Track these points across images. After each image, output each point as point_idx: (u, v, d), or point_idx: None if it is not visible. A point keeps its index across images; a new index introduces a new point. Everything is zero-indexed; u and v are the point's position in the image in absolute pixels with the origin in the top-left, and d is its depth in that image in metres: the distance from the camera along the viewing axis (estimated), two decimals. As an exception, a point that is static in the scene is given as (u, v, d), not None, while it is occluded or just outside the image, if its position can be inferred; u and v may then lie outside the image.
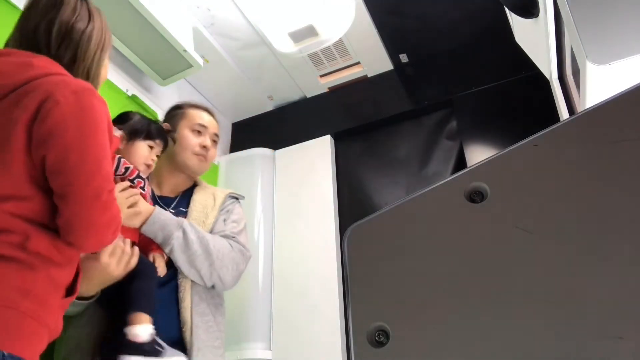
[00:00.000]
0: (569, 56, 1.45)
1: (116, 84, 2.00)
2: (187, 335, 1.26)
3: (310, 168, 2.56)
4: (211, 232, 1.45)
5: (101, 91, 1.90)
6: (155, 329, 1.15)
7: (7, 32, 1.65)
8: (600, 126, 0.46)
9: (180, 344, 1.24)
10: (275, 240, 2.44)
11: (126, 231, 1.21)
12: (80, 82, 0.98)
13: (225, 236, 1.45)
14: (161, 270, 1.28)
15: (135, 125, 1.37)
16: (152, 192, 1.45)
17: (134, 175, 1.28)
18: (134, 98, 2.09)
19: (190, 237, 1.31)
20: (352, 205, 2.47)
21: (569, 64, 1.48)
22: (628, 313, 0.37)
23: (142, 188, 1.30)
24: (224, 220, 1.52)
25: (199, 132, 1.59)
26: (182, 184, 1.59)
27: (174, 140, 1.52)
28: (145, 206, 1.28)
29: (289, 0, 2.15)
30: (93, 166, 0.91)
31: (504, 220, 0.45)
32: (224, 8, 2.23)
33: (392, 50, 2.58)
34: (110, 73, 1.99)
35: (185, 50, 2.00)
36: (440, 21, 2.41)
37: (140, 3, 1.78)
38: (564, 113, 1.55)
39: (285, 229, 2.45)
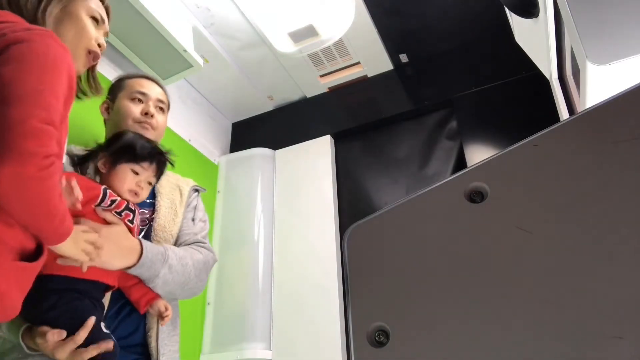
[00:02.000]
0: (569, 56, 1.45)
1: (116, 84, 2.00)
2: (152, 340, 1.20)
3: (310, 168, 2.57)
4: (179, 230, 1.38)
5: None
6: (118, 333, 1.09)
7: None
8: (600, 126, 0.46)
9: (141, 348, 1.19)
10: (275, 240, 2.44)
11: (105, 273, 1.08)
12: (37, 26, 0.91)
13: (197, 242, 1.37)
14: (168, 318, 1.19)
15: (118, 145, 1.21)
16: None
17: (122, 208, 1.15)
18: (134, 98, 2.09)
19: (175, 269, 1.22)
20: (352, 205, 2.47)
21: (569, 64, 1.48)
22: (628, 313, 0.37)
23: (131, 221, 1.17)
24: (192, 220, 1.44)
25: (140, 101, 1.43)
26: None
27: (172, 164, 1.33)
28: (130, 248, 1.14)
29: (289, 0, 2.15)
30: (29, 94, 0.79)
31: (504, 220, 0.45)
32: (224, 8, 2.23)
33: (392, 50, 2.59)
34: (110, 73, 2.00)
35: (185, 50, 2.00)
36: (440, 21, 2.41)
37: (140, 3, 1.78)
38: (564, 113, 1.55)
39: (285, 229, 2.45)
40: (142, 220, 1.31)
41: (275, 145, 2.72)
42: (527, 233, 0.43)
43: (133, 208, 1.19)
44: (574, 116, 0.48)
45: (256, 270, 2.32)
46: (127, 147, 1.20)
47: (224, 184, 2.63)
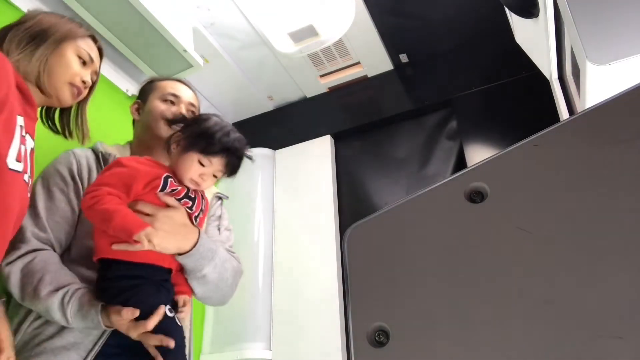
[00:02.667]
0: (569, 56, 1.45)
1: (116, 83, 2.00)
2: None
3: (310, 168, 2.57)
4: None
5: (101, 91, 1.91)
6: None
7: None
8: (600, 126, 0.46)
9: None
10: (275, 240, 2.44)
11: (161, 257, 1.10)
12: None
13: (227, 251, 1.36)
14: (187, 322, 1.18)
15: (195, 131, 1.17)
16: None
17: (181, 196, 1.15)
18: (134, 98, 2.09)
19: (217, 269, 1.21)
20: (352, 205, 2.47)
21: (569, 64, 1.48)
22: (628, 313, 0.37)
23: (190, 208, 1.17)
24: (218, 228, 1.42)
25: (172, 102, 1.42)
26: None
27: (249, 158, 1.26)
28: (186, 234, 1.14)
29: (289, 0, 2.15)
30: None
31: (504, 220, 0.45)
32: (224, 8, 2.23)
33: (392, 50, 2.59)
34: (110, 73, 2.00)
35: (185, 50, 2.00)
36: (440, 21, 2.41)
37: (140, 3, 1.78)
38: (564, 113, 1.55)
39: (285, 229, 2.45)
40: None
41: (275, 145, 2.72)
42: (527, 233, 0.43)
43: (193, 196, 1.18)
44: (574, 116, 0.48)
45: (256, 270, 2.32)
46: (202, 135, 1.15)
47: (224, 184, 2.63)
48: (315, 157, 2.59)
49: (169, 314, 1.06)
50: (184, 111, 1.40)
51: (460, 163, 2.31)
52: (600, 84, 1.04)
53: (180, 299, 1.18)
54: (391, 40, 2.52)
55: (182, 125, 1.22)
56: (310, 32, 2.23)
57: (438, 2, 2.30)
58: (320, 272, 2.23)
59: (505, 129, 2.20)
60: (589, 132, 0.46)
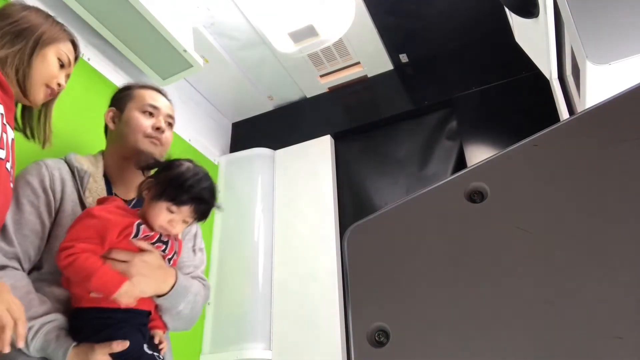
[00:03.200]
0: (569, 56, 1.45)
1: (116, 83, 2.00)
2: None
3: (310, 168, 2.57)
4: (179, 262, 1.34)
5: (101, 92, 1.91)
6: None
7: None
8: (600, 126, 0.46)
9: None
10: (275, 240, 2.44)
11: (141, 301, 1.11)
12: None
13: (197, 277, 1.35)
14: (165, 349, 1.18)
15: (165, 179, 1.18)
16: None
17: (154, 240, 1.17)
18: (134, 98, 2.09)
19: (190, 305, 1.23)
20: (352, 205, 2.47)
21: (569, 64, 1.48)
22: (628, 313, 0.37)
23: (164, 251, 1.19)
24: (192, 249, 1.40)
25: (151, 114, 1.40)
26: (137, 178, 1.32)
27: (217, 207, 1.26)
28: (164, 276, 1.16)
29: (289, 0, 2.15)
30: None
31: (504, 220, 0.45)
32: (224, 8, 2.23)
33: (392, 50, 2.59)
34: (110, 73, 2.00)
35: (185, 50, 2.00)
36: (440, 21, 2.41)
37: (140, 3, 1.78)
38: (564, 113, 1.55)
39: (285, 229, 2.45)
40: None
41: (275, 145, 2.72)
42: (527, 233, 0.43)
43: (166, 240, 1.20)
44: (574, 116, 0.48)
45: (256, 270, 2.32)
46: (172, 184, 1.16)
47: (224, 184, 2.63)
48: (315, 157, 2.59)
49: (148, 351, 1.08)
50: (161, 123, 1.40)
51: (460, 163, 2.31)
52: (600, 84, 1.04)
53: (157, 335, 1.18)
54: (391, 40, 2.52)
55: (154, 172, 1.24)
56: (310, 32, 2.23)
57: (438, 2, 2.30)
58: (320, 272, 2.23)
59: (505, 129, 2.20)
60: (589, 132, 0.46)
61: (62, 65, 1.18)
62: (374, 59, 2.61)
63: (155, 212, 1.15)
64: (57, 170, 1.25)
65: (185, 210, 1.16)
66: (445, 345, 0.42)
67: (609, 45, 0.99)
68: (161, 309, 1.19)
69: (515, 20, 1.67)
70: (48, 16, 1.19)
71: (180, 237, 1.31)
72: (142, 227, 1.15)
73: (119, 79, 2.04)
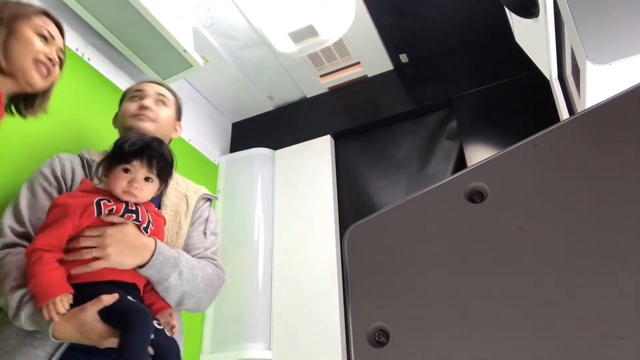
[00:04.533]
0: (569, 56, 1.44)
1: (116, 83, 2.00)
2: None
3: (310, 168, 2.57)
4: (186, 245, 1.35)
5: (101, 92, 1.91)
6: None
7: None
8: (600, 126, 0.46)
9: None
10: (275, 240, 2.44)
11: (121, 273, 1.10)
12: None
13: (207, 257, 1.35)
14: (176, 330, 1.16)
15: (111, 150, 1.19)
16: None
17: (121, 212, 1.14)
18: (134, 98, 2.09)
19: (185, 276, 1.20)
20: (352, 205, 2.47)
21: (569, 64, 1.48)
22: (628, 313, 0.37)
23: (136, 220, 1.16)
24: (204, 232, 1.40)
25: (139, 98, 1.47)
26: None
27: (166, 156, 1.24)
28: (142, 245, 1.14)
29: (289, 0, 2.15)
30: None
31: (504, 220, 0.45)
32: (224, 8, 2.23)
33: (392, 50, 2.59)
34: (110, 73, 2.00)
35: (185, 50, 2.00)
36: (440, 21, 2.41)
37: (140, 3, 1.78)
38: (564, 113, 1.55)
39: (285, 229, 2.45)
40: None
41: (275, 145, 2.72)
42: (527, 233, 0.43)
43: (134, 208, 1.17)
44: (574, 116, 0.48)
45: (256, 270, 2.32)
46: (115, 148, 1.18)
47: (224, 184, 2.63)
48: (315, 157, 2.59)
49: (131, 299, 1.05)
50: (146, 101, 1.45)
51: (460, 163, 2.31)
52: (600, 84, 1.04)
53: (165, 313, 1.17)
54: (391, 40, 2.52)
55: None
56: (310, 32, 2.23)
57: (438, 2, 2.30)
58: (320, 272, 2.23)
59: (505, 129, 2.20)
60: (589, 132, 0.46)
61: (45, 39, 1.10)
62: (374, 59, 2.61)
63: (113, 180, 1.15)
64: (69, 161, 1.32)
65: (138, 165, 1.15)
66: (445, 345, 0.42)
67: (609, 45, 0.99)
68: (152, 283, 1.17)
69: (515, 20, 1.67)
70: (6, 1, 1.12)
71: (189, 220, 1.32)
72: (103, 202, 1.13)
73: (119, 79, 2.04)
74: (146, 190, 1.18)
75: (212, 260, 1.36)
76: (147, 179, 1.17)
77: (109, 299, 1.01)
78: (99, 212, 1.11)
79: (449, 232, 0.47)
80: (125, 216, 1.14)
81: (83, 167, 1.33)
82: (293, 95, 2.88)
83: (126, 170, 1.15)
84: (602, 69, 1.00)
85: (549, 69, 1.57)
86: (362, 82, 2.75)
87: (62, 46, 1.16)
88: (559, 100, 1.58)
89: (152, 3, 1.83)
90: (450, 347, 0.42)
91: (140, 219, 1.17)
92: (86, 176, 1.30)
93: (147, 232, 1.18)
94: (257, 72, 2.67)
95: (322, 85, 2.78)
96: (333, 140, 2.66)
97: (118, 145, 1.18)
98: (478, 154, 2.22)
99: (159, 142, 1.24)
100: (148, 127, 1.41)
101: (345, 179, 2.56)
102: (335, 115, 2.78)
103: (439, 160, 2.39)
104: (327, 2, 2.14)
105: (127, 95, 1.52)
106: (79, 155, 1.37)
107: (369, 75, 2.73)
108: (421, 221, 0.50)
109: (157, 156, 1.19)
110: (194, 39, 2.11)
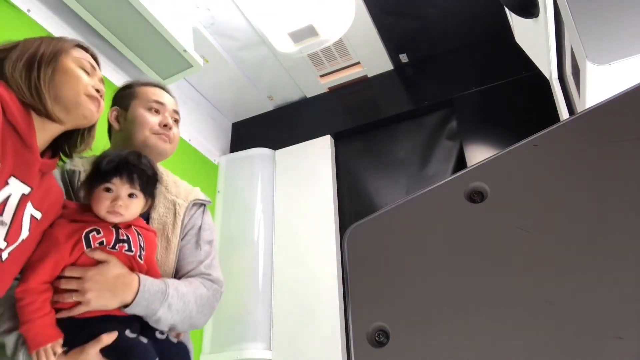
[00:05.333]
0: (569, 56, 1.44)
1: (116, 84, 2.00)
2: None
3: (310, 168, 2.57)
4: (178, 260, 1.27)
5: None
6: None
7: (7, 32, 1.66)
8: (600, 126, 0.46)
9: None
10: (275, 240, 2.44)
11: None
12: None
13: (200, 274, 1.27)
14: (181, 335, 1.14)
15: (89, 171, 1.12)
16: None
17: (112, 244, 1.09)
18: (134, 98, 2.09)
19: (175, 307, 1.15)
20: (352, 205, 2.47)
21: (569, 64, 1.48)
22: (628, 313, 0.37)
23: (129, 249, 1.11)
24: (197, 244, 1.32)
25: (157, 111, 1.35)
26: None
27: (147, 170, 1.17)
28: (124, 285, 1.08)
29: (289, 0, 2.15)
30: None
31: (504, 220, 0.45)
32: (224, 8, 2.23)
33: (392, 50, 2.59)
34: (111, 73, 2.00)
35: (185, 50, 2.00)
36: (440, 21, 2.41)
37: (140, 3, 1.78)
38: (564, 113, 1.55)
39: (285, 229, 2.45)
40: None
41: (275, 145, 2.72)
42: (527, 233, 0.43)
43: (124, 237, 1.12)
44: (574, 116, 0.48)
45: (256, 270, 2.32)
46: (92, 168, 1.11)
47: (224, 184, 2.63)
48: (315, 157, 2.59)
49: (130, 335, 1.03)
50: (169, 120, 1.35)
51: (460, 163, 2.31)
52: (600, 84, 1.04)
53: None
54: (391, 40, 2.52)
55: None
56: (310, 32, 2.23)
57: (438, 2, 2.30)
58: (320, 272, 2.23)
59: (505, 129, 2.20)
60: (589, 132, 0.46)
61: (87, 72, 1.05)
62: (374, 59, 2.61)
63: (96, 202, 1.09)
64: None
65: (119, 182, 1.09)
66: (445, 345, 0.42)
67: (609, 45, 0.99)
68: (142, 317, 1.13)
69: (515, 20, 1.67)
70: (41, 38, 1.07)
71: (178, 231, 1.26)
72: (92, 234, 1.07)
73: (119, 79, 2.04)
74: (132, 207, 1.12)
75: (206, 277, 1.28)
76: (130, 195, 1.12)
77: (108, 339, 0.99)
78: (88, 245, 1.06)
79: (449, 232, 0.47)
80: (117, 247, 1.09)
81: (63, 179, 1.21)
82: (293, 95, 2.88)
83: (108, 190, 1.09)
84: (602, 69, 1.00)
85: (549, 69, 1.58)
86: (362, 82, 2.75)
87: (101, 77, 1.12)
88: (559, 100, 1.58)
89: (152, 3, 1.83)
90: (450, 347, 0.42)
91: (132, 248, 1.12)
92: (67, 189, 1.20)
93: (141, 259, 1.14)
94: (257, 72, 2.67)
95: (322, 85, 2.78)
96: (333, 140, 2.66)
97: (95, 165, 1.12)
98: (478, 154, 2.22)
99: (137, 155, 1.17)
100: (168, 149, 1.35)
101: (345, 179, 2.56)
102: (335, 115, 2.78)
103: (439, 160, 2.39)
104: (327, 2, 2.14)
105: (138, 98, 1.37)
106: (59, 166, 1.22)
107: (369, 75, 2.73)
108: (421, 221, 0.50)
109: (137, 171, 1.13)
110: (194, 39, 2.12)
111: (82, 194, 1.14)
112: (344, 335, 2.08)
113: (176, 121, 1.41)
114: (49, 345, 0.97)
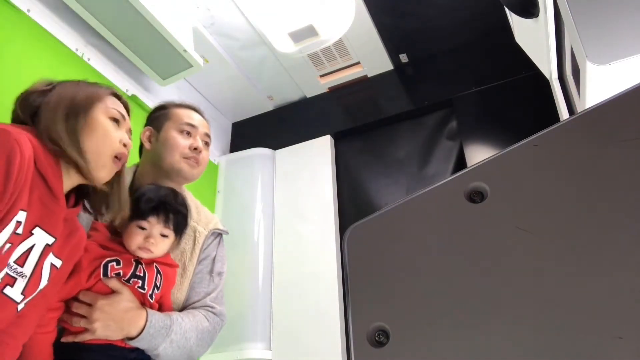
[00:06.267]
0: (569, 56, 1.44)
1: (116, 84, 2.00)
2: None
3: (310, 168, 2.57)
4: (191, 284, 1.31)
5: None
6: None
7: (6, 33, 1.65)
8: (600, 126, 0.46)
9: None
10: (275, 240, 2.44)
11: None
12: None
13: (204, 306, 1.30)
14: None
15: (132, 204, 1.13)
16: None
17: (128, 277, 1.11)
18: (134, 98, 2.09)
19: (176, 343, 1.17)
20: (352, 205, 2.47)
21: (569, 64, 1.48)
22: (628, 313, 0.37)
23: (141, 287, 1.13)
24: (209, 273, 1.34)
25: (188, 133, 1.37)
26: None
27: (184, 213, 1.22)
28: (131, 319, 1.10)
29: (289, 0, 2.15)
30: None
31: (504, 220, 0.45)
32: (224, 8, 2.23)
33: (392, 50, 2.59)
34: (110, 73, 2.00)
35: (185, 50, 2.00)
36: (440, 21, 2.41)
37: (140, 3, 1.78)
38: (564, 113, 1.55)
39: (285, 229, 2.45)
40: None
41: (275, 145, 2.72)
42: (527, 233, 0.43)
43: (141, 274, 1.14)
44: (574, 116, 0.48)
45: (256, 270, 2.32)
46: (134, 203, 1.13)
47: (224, 184, 2.63)
48: (315, 157, 2.59)
49: None
50: (199, 143, 1.36)
51: (460, 163, 2.31)
52: (600, 84, 1.04)
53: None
54: (391, 40, 2.52)
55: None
56: (310, 32, 2.23)
57: (438, 2, 2.30)
58: (320, 272, 2.23)
59: (505, 129, 2.20)
60: (589, 132, 0.46)
61: (117, 122, 1.02)
62: (374, 59, 2.61)
63: (128, 236, 1.13)
64: None
65: (155, 221, 1.14)
66: (445, 345, 0.42)
67: (609, 45, 0.99)
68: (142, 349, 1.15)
69: (515, 20, 1.67)
70: (78, 82, 1.04)
71: (195, 259, 1.28)
72: (112, 264, 1.10)
73: (119, 79, 2.04)
74: (162, 246, 1.16)
75: (210, 309, 1.31)
76: (163, 234, 1.16)
77: None
78: (105, 274, 1.09)
79: (449, 232, 0.47)
80: (131, 281, 1.12)
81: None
82: (293, 95, 2.88)
83: (142, 227, 1.13)
84: (602, 69, 1.00)
85: (549, 69, 1.58)
86: (362, 82, 2.75)
87: (130, 127, 1.09)
88: (559, 100, 1.58)
89: (152, 3, 1.83)
90: (450, 347, 0.42)
91: (145, 286, 1.14)
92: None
93: (152, 298, 1.16)
94: (257, 72, 2.67)
95: (322, 85, 2.78)
96: (333, 140, 2.66)
97: (134, 201, 1.13)
98: (478, 154, 2.22)
99: (174, 195, 1.21)
100: (195, 174, 1.36)
101: (345, 179, 2.56)
102: (335, 115, 2.78)
103: (439, 160, 2.39)
104: (327, 2, 2.14)
105: (171, 120, 1.39)
106: None
107: (369, 75, 2.73)
108: (421, 221, 0.50)
109: (173, 212, 1.17)
110: (194, 39, 2.11)
111: (117, 224, 1.15)
112: (344, 335, 2.08)
113: (207, 144, 1.42)
114: None
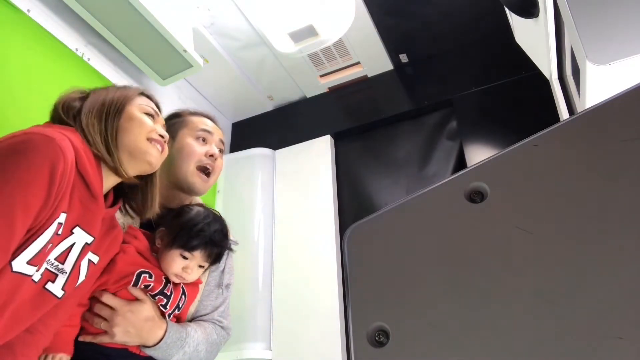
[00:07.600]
0: (569, 56, 1.45)
1: (116, 83, 2.00)
2: None
3: (310, 168, 2.57)
4: (199, 301, 1.32)
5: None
6: None
7: (6, 33, 1.65)
8: (600, 126, 0.46)
9: None
10: (275, 240, 2.44)
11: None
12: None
13: (212, 320, 1.33)
14: None
15: (176, 226, 1.17)
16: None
17: (155, 292, 1.14)
18: (134, 98, 2.09)
19: (187, 355, 1.20)
20: (352, 205, 2.47)
21: (569, 64, 1.48)
22: (628, 313, 0.37)
23: (164, 306, 1.16)
24: (217, 285, 1.37)
25: (204, 140, 1.38)
26: (175, 205, 1.32)
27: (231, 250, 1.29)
28: (151, 328, 1.12)
29: (289, 0, 2.15)
30: None
31: (504, 220, 0.45)
32: (224, 8, 2.23)
33: (392, 50, 2.59)
34: (110, 73, 2.00)
35: (185, 50, 2.00)
36: (440, 21, 2.41)
37: (140, 3, 1.78)
38: (564, 113, 1.55)
39: (285, 229, 2.45)
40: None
41: (275, 145, 2.72)
42: (527, 233, 0.43)
43: (169, 293, 1.17)
44: (574, 116, 0.48)
45: (256, 270, 2.32)
46: (182, 230, 1.16)
47: (224, 184, 2.63)
48: (315, 157, 2.59)
49: None
50: (215, 150, 1.38)
51: (460, 163, 2.31)
52: (600, 84, 1.04)
53: None
54: (391, 40, 2.52)
55: (163, 220, 1.22)
56: (310, 32, 2.23)
57: (438, 2, 2.30)
58: (320, 272, 2.23)
59: (505, 129, 2.20)
60: (589, 132, 0.46)
61: (152, 117, 1.08)
62: (374, 59, 2.61)
63: (169, 260, 1.15)
64: None
65: (198, 255, 1.17)
66: (445, 345, 0.42)
67: (609, 45, 0.99)
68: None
69: (515, 20, 1.67)
70: (107, 88, 1.10)
71: (202, 279, 1.30)
72: (144, 275, 1.13)
73: (119, 79, 2.04)
74: (195, 274, 1.20)
75: (218, 324, 1.34)
76: (200, 266, 1.20)
77: None
78: (135, 284, 1.12)
79: (449, 232, 0.47)
80: (156, 298, 1.15)
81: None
82: (293, 95, 2.88)
83: (185, 256, 1.16)
84: (602, 69, 1.00)
85: (549, 69, 1.58)
86: (362, 82, 2.75)
87: (164, 123, 1.14)
88: (559, 100, 1.58)
89: (152, 3, 1.83)
90: (450, 346, 0.42)
91: (167, 306, 1.17)
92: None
93: (169, 317, 1.19)
94: (257, 72, 2.67)
95: (322, 85, 2.78)
96: (333, 140, 2.66)
97: (183, 228, 1.17)
98: (478, 154, 2.22)
99: (223, 230, 1.24)
100: (204, 189, 1.36)
101: (345, 179, 2.56)
102: (335, 115, 2.78)
103: (439, 160, 2.39)
104: (327, 2, 2.14)
105: (187, 127, 1.39)
106: None
107: (369, 75, 2.73)
108: (421, 221, 0.50)
109: (219, 252, 1.22)
110: (194, 39, 2.11)
111: (157, 238, 1.19)
112: (344, 335, 2.08)
113: (221, 151, 1.43)
114: (58, 356, 1.01)
